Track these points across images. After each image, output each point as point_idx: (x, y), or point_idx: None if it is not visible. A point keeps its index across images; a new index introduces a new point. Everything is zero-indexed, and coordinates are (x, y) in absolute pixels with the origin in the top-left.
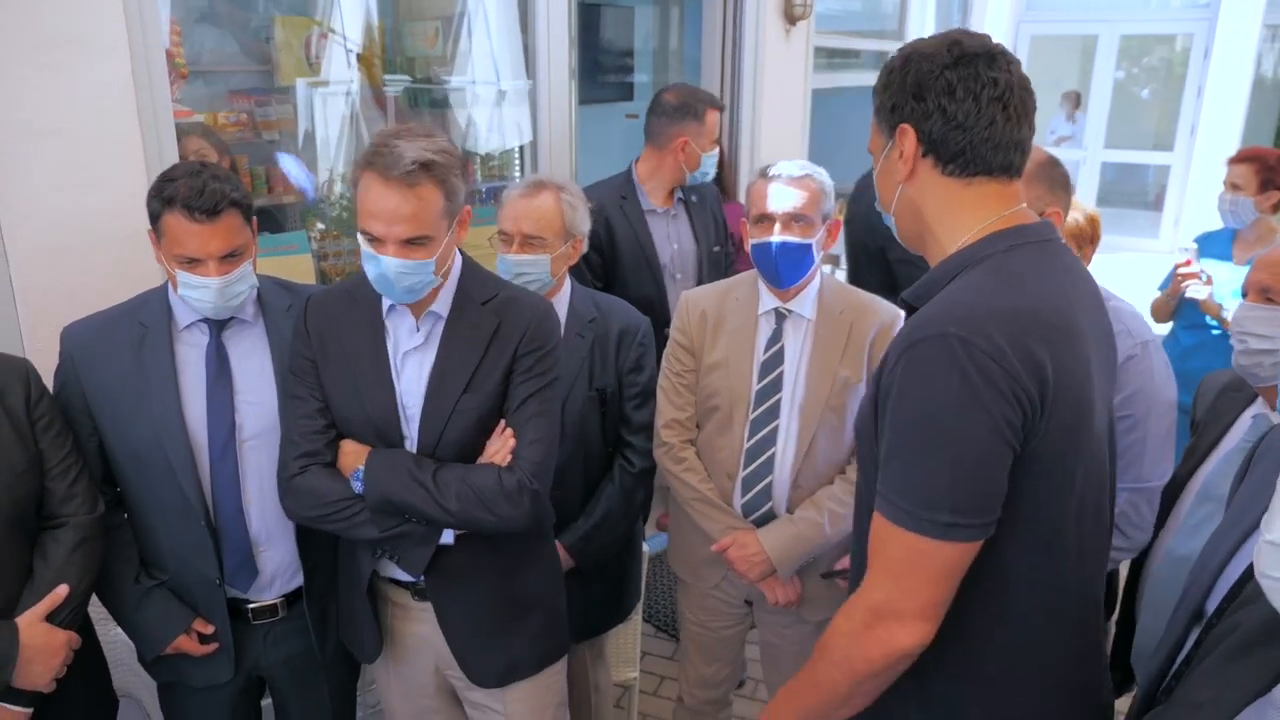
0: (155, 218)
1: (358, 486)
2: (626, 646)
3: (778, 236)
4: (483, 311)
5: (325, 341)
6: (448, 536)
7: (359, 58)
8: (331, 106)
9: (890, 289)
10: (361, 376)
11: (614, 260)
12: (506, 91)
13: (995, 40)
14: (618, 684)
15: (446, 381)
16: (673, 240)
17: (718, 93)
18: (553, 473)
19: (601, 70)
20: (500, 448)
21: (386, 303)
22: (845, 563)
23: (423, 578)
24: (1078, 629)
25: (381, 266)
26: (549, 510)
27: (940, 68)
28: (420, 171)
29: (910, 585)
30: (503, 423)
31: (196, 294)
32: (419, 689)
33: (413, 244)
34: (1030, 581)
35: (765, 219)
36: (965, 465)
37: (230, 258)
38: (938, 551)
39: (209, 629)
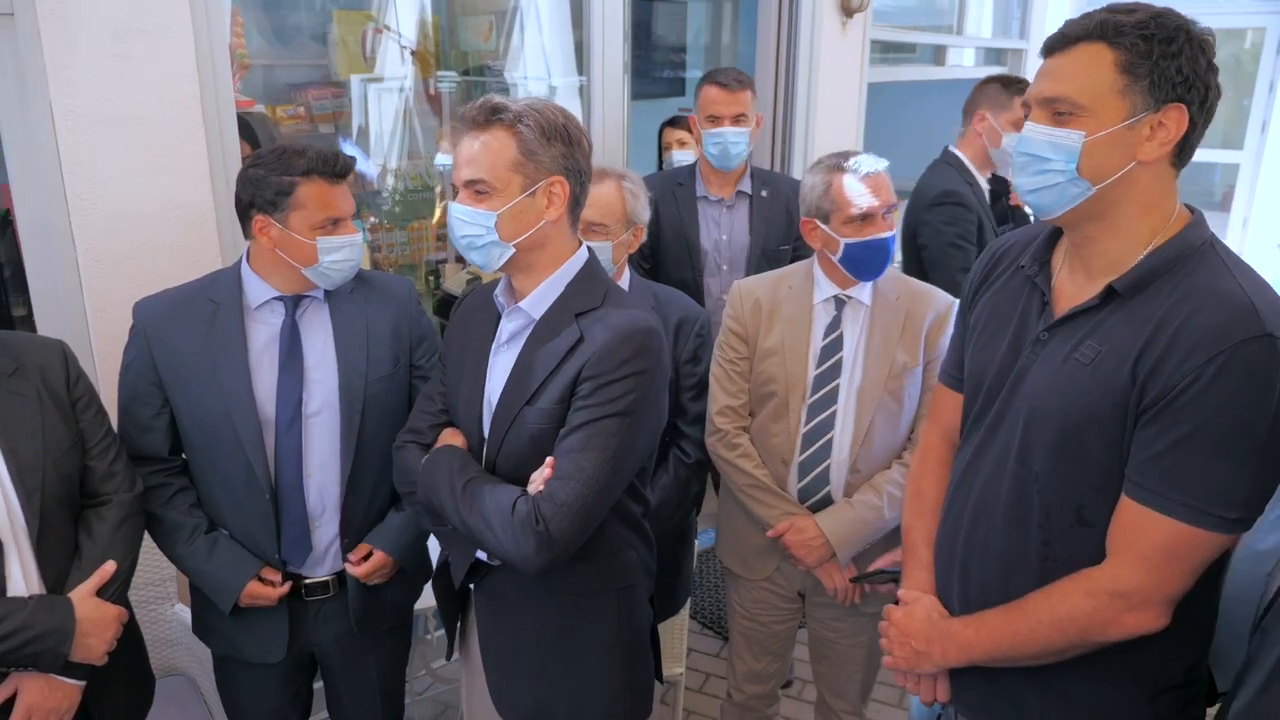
0: (283, 194)
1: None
2: (674, 641)
3: (885, 232)
4: (572, 323)
5: (460, 330)
6: (483, 554)
7: (413, 53)
8: (385, 101)
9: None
10: (465, 370)
11: (658, 243)
12: (557, 88)
13: None
14: (664, 679)
15: (515, 389)
16: (722, 230)
17: (771, 86)
18: (589, 519)
19: (653, 65)
20: (537, 476)
21: (498, 296)
22: (884, 561)
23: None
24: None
25: (449, 213)
26: (622, 567)
27: (1211, 56)
28: (489, 113)
29: (1168, 575)
30: None
31: (342, 255)
32: (480, 699)
33: (476, 191)
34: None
35: (867, 216)
36: (1273, 466)
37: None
38: (1208, 544)
39: (277, 576)
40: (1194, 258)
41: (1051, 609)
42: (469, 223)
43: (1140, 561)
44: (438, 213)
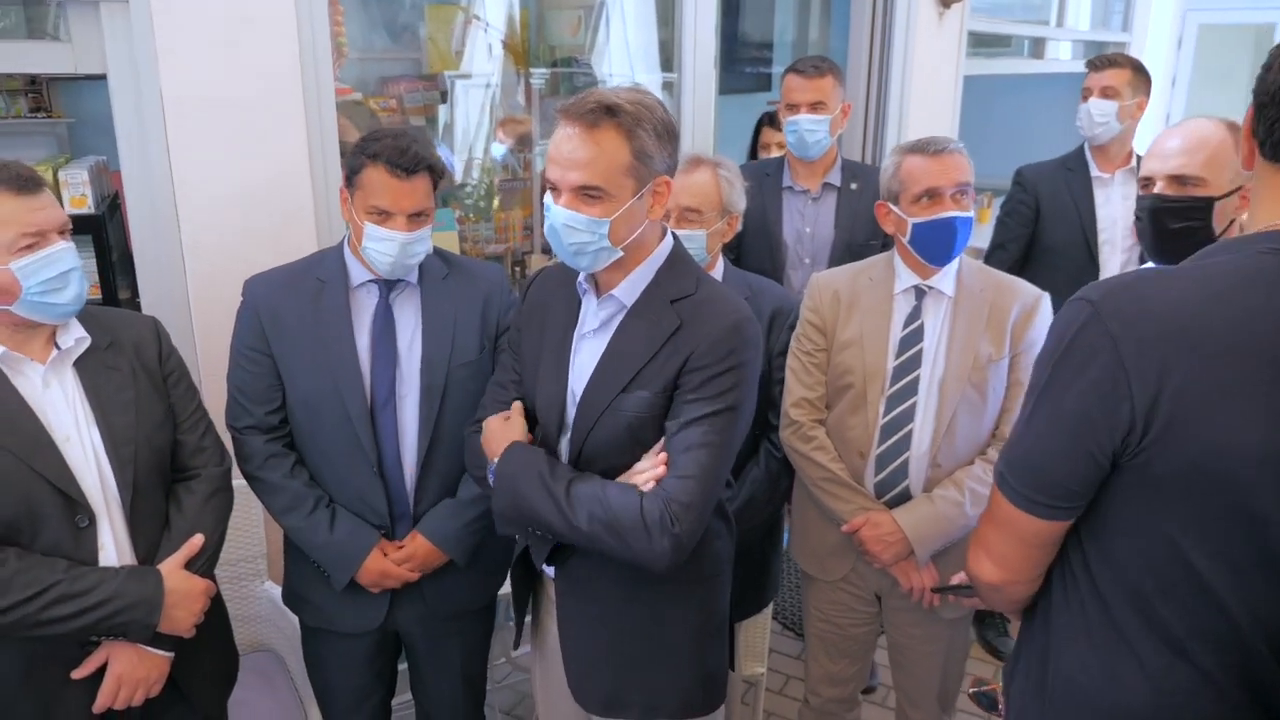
0: (355, 172)
1: (491, 479)
2: (756, 640)
3: (956, 211)
4: (668, 310)
5: (534, 315)
6: None
7: (504, 45)
8: (474, 95)
9: None
10: (545, 355)
11: (741, 233)
12: (641, 85)
13: None
14: (745, 679)
15: (608, 375)
16: (806, 222)
17: (864, 79)
18: (708, 516)
19: (740, 60)
20: (646, 471)
21: (582, 284)
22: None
23: (550, 570)
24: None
25: (551, 217)
26: (711, 556)
27: None
28: (603, 114)
29: (985, 523)
30: (660, 443)
31: (381, 247)
32: (555, 688)
33: (586, 196)
34: (1138, 610)
35: (933, 194)
36: (1040, 434)
37: (417, 217)
38: (1000, 504)
39: (394, 548)
40: (1203, 258)
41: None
42: (579, 230)
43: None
44: (496, 203)
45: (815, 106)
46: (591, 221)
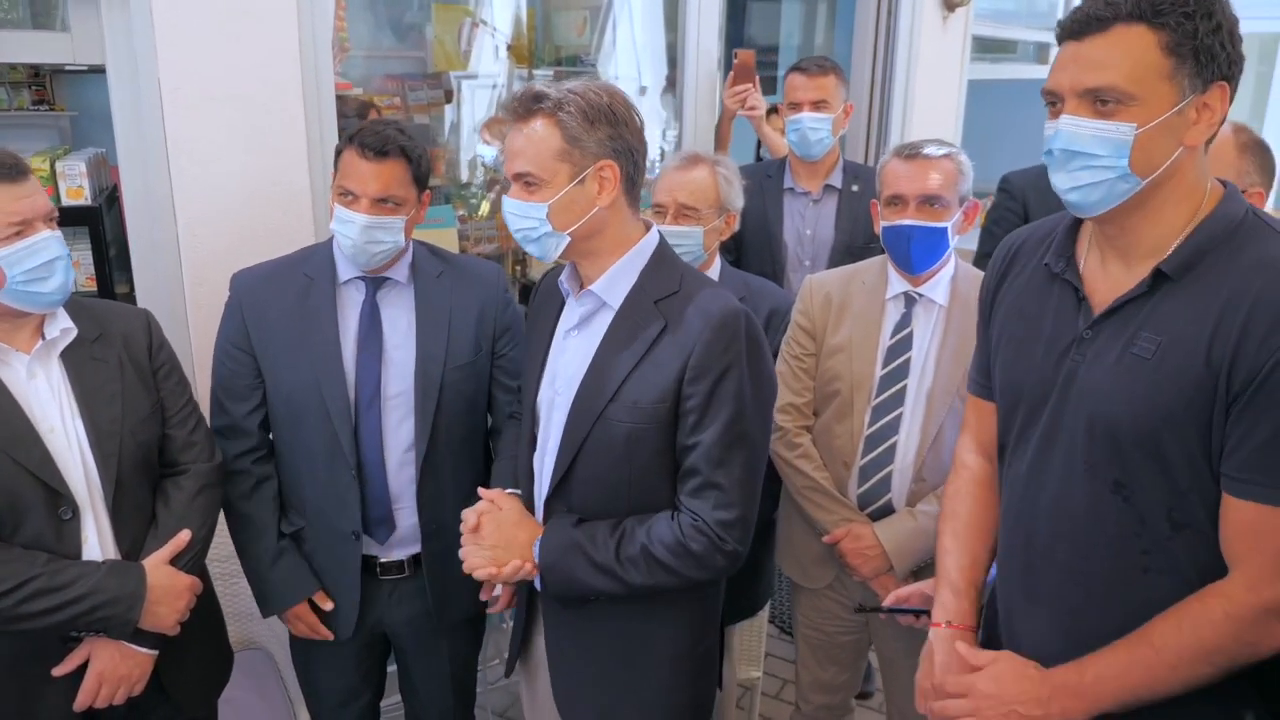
0: (336, 155)
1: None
2: (752, 644)
3: (910, 219)
4: (652, 310)
5: (533, 319)
6: None
7: (509, 47)
8: (479, 95)
9: None
10: (531, 355)
11: (741, 234)
12: (648, 87)
13: None
14: (741, 683)
15: (596, 383)
16: (807, 224)
17: (867, 82)
18: (754, 516)
19: None
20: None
21: (563, 283)
22: (914, 594)
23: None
24: None
25: (503, 208)
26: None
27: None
28: (530, 102)
29: None
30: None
31: (342, 228)
32: (543, 704)
33: (525, 184)
34: None
35: (898, 200)
36: None
37: (384, 203)
38: None
39: (328, 605)
40: (1241, 230)
41: (1193, 641)
42: (522, 216)
43: (1277, 566)
44: (485, 206)
45: (818, 105)
46: (529, 207)
